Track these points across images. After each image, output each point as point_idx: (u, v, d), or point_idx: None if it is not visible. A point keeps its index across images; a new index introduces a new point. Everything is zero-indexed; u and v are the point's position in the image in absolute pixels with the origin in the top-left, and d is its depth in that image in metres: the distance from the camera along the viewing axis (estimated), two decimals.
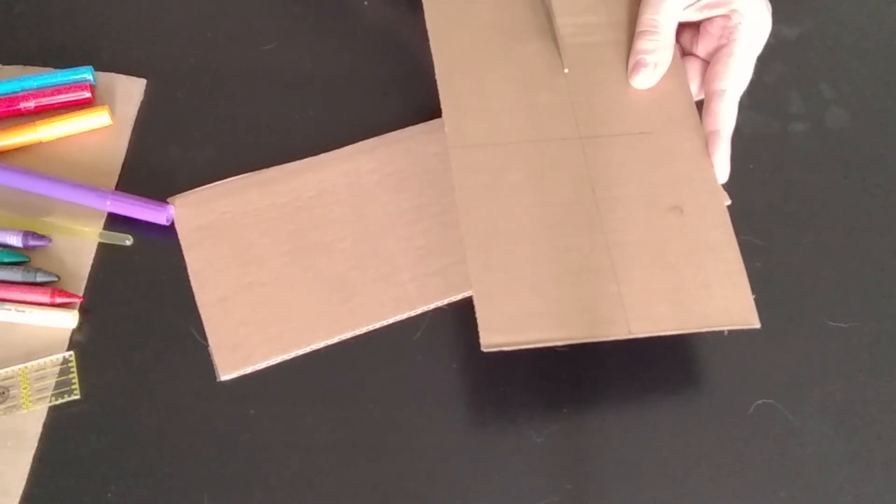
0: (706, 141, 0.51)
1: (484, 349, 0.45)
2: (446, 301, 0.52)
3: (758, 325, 0.47)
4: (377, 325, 0.52)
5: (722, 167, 0.51)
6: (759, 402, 0.51)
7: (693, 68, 0.54)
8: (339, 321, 0.52)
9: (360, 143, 0.57)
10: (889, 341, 0.53)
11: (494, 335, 0.45)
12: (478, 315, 0.46)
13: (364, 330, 0.52)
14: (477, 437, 0.49)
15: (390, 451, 0.49)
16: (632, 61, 0.53)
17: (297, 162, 0.57)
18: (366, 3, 0.64)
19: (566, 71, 0.52)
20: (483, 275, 0.47)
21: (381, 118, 0.58)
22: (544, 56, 0.54)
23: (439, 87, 0.52)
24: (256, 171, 0.56)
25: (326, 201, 0.55)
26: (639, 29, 0.53)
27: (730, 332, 0.51)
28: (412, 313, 0.52)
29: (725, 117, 0.51)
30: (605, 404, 0.50)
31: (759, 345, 0.52)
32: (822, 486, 0.49)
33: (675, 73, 0.53)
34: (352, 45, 0.62)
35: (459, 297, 0.52)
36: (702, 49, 0.54)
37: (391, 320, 0.52)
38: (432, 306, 0.52)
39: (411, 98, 0.60)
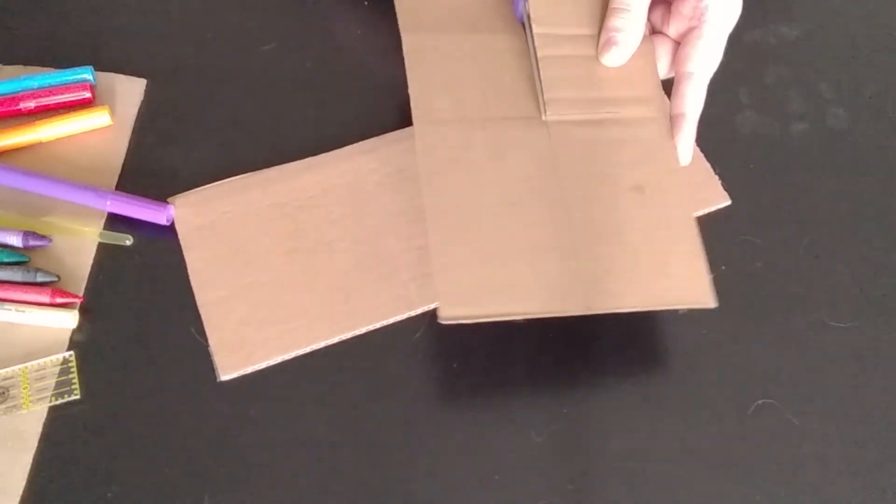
0: (672, 123, 0.51)
1: (442, 321, 0.45)
2: None
3: (713, 305, 0.47)
4: (377, 325, 0.52)
5: (685, 150, 0.51)
6: (759, 402, 0.51)
7: (662, 47, 0.54)
8: (339, 321, 0.52)
9: (360, 143, 0.57)
10: (889, 341, 0.53)
11: (454, 308, 0.46)
12: (437, 287, 0.46)
13: (364, 330, 0.52)
14: (477, 437, 0.49)
15: (390, 450, 0.49)
16: (603, 38, 0.52)
17: (297, 162, 0.57)
18: (366, 2, 0.64)
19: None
20: (444, 248, 0.47)
21: (381, 118, 0.58)
22: (512, 41, 0.54)
23: (406, 63, 0.52)
24: (256, 171, 0.56)
25: (326, 201, 0.55)
26: (611, 6, 0.52)
27: (687, 311, 0.51)
28: (412, 313, 0.52)
29: (692, 100, 0.51)
30: (605, 404, 0.50)
31: (760, 345, 0.52)
32: (822, 486, 0.49)
33: (644, 52, 0.53)
34: (352, 45, 0.62)
35: None
36: (673, 29, 0.54)
37: (391, 320, 0.52)
38: (432, 306, 0.52)
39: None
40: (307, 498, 0.48)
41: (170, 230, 0.54)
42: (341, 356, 0.51)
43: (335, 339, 0.51)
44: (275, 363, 0.51)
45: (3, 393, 0.49)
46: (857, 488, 0.49)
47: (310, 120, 0.59)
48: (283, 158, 0.57)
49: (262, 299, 0.52)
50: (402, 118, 0.58)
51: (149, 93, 0.59)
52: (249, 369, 0.50)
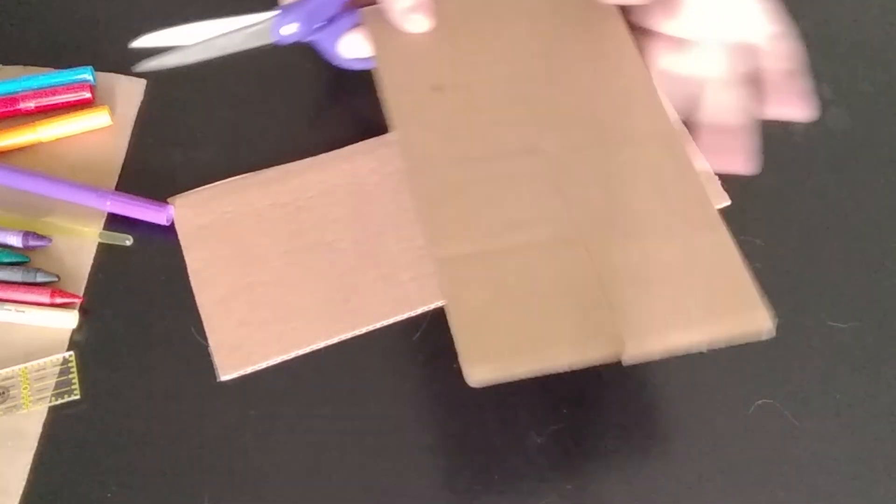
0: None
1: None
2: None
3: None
4: (377, 325, 0.52)
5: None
6: (759, 402, 0.51)
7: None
8: (339, 321, 0.52)
9: (360, 143, 0.57)
10: (889, 341, 0.53)
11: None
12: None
13: (364, 330, 0.52)
14: (477, 437, 0.49)
15: (390, 450, 0.49)
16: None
17: (297, 162, 0.57)
18: None
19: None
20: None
21: (381, 118, 0.58)
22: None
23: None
24: (256, 171, 0.56)
25: (326, 201, 0.55)
26: None
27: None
28: (412, 313, 0.52)
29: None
30: (605, 404, 0.50)
31: (759, 345, 0.52)
32: (822, 486, 0.49)
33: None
34: None
35: None
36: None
37: (391, 320, 0.52)
38: (432, 306, 0.52)
39: None
40: (307, 498, 0.48)
41: (170, 230, 0.54)
42: (341, 356, 0.51)
43: (335, 339, 0.51)
44: (275, 363, 0.51)
45: (3, 393, 0.49)
46: (858, 489, 0.49)
47: (310, 120, 0.59)
48: (283, 158, 0.57)
49: (262, 299, 0.52)
50: None
51: (149, 93, 0.59)
52: (249, 369, 0.50)
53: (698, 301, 0.44)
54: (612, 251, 0.45)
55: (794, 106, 0.49)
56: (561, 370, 0.42)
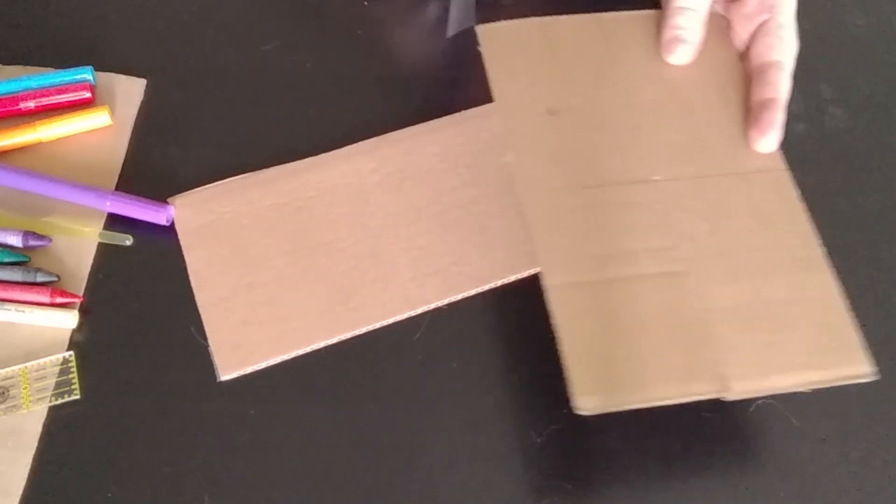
0: (760, 108, 0.50)
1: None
2: (446, 301, 0.52)
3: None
4: (377, 325, 0.52)
5: (774, 136, 0.50)
6: (759, 402, 0.51)
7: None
8: (339, 321, 0.52)
9: (360, 143, 0.57)
10: (889, 341, 0.53)
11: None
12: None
13: (364, 330, 0.52)
14: (477, 437, 0.49)
15: (390, 450, 0.49)
16: (667, 36, 0.51)
17: (297, 162, 0.57)
18: (366, 2, 0.64)
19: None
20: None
21: (381, 118, 0.58)
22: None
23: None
24: (256, 171, 0.56)
25: (326, 201, 0.55)
26: (673, 5, 0.51)
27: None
28: (412, 313, 0.52)
29: (783, 87, 0.50)
30: None
31: None
32: (822, 486, 0.49)
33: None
34: (352, 45, 0.62)
35: (459, 297, 0.53)
36: (741, 34, 0.53)
37: (391, 320, 0.52)
38: (432, 306, 0.52)
39: (411, 98, 0.60)
40: (307, 498, 0.48)
41: (170, 230, 0.54)
42: (341, 356, 0.51)
43: (335, 339, 0.51)
44: (275, 363, 0.51)
45: (3, 393, 0.49)
46: (858, 489, 0.49)
47: (310, 120, 0.59)
48: (283, 158, 0.57)
49: (262, 299, 0.52)
50: (402, 118, 0.58)
51: (149, 93, 0.59)
52: (249, 369, 0.50)
53: (802, 344, 0.44)
54: (718, 287, 0.45)
55: (760, 134, 0.50)
56: (665, 404, 0.43)
